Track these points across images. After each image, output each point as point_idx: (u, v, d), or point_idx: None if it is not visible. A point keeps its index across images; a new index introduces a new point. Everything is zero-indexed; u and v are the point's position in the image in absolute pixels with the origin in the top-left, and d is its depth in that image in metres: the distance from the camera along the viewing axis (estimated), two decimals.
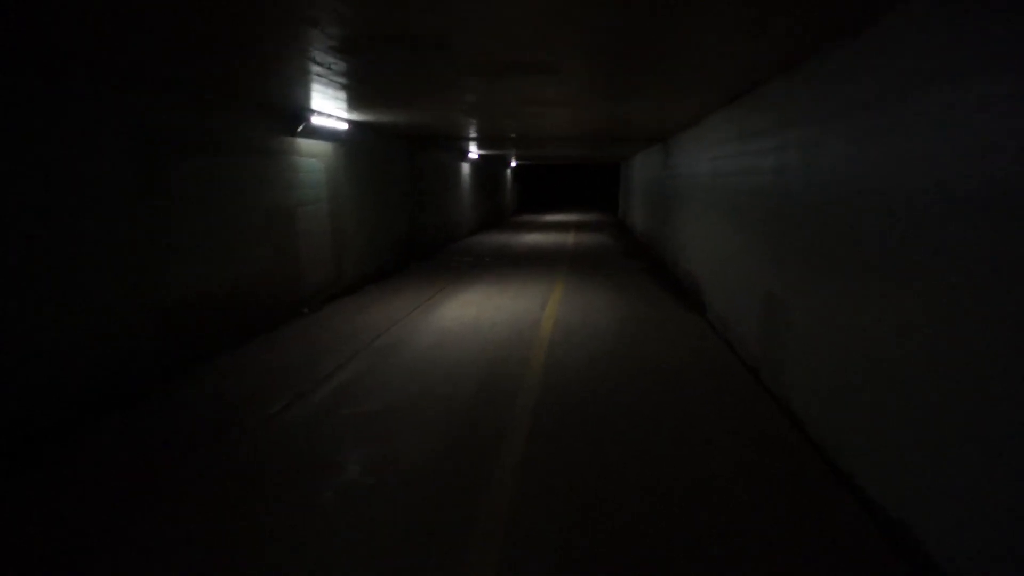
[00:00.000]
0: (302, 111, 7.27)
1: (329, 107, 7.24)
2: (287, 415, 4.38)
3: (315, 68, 4.73)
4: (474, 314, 7.54)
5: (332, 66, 4.64)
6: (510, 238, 17.59)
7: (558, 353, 5.81)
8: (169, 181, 5.29)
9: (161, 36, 3.67)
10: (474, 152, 17.42)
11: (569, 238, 17.39)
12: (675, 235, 10.23)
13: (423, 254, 13.18)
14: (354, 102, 6.92)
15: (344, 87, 5.64)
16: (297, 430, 4.12)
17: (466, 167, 18.00)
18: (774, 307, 4.79)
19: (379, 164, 10.49)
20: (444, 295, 8.83)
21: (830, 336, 3.64)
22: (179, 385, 5.03)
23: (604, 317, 7.35)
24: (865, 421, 3.16)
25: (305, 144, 7.80)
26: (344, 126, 8.34)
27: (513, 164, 27.27)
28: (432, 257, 13.16)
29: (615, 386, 4.94)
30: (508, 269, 11.37)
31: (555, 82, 5.33)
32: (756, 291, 5.28)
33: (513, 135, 11.42)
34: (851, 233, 3.34)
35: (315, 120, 7.52)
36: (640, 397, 4.70)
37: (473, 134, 11.40)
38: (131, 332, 4.83)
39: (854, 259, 3.30)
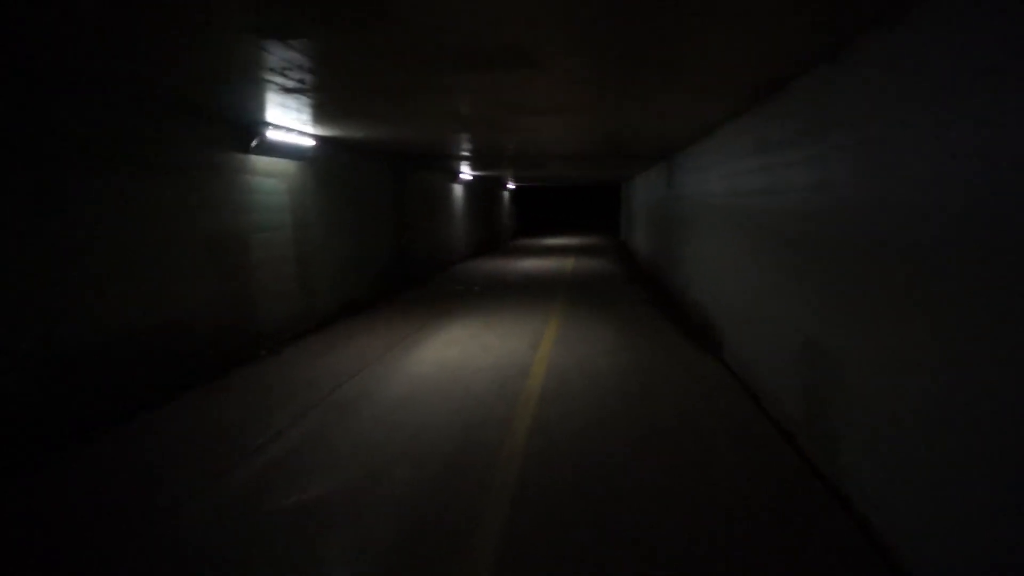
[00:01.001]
0: (256, 124, 6.35)
1: (289, 119, 6.32)
2: (187, 510, 3.34)
3: (264, 64, 3.78)
4: (456, 356, 6.52)
5: (277, 55, 3.70)
6: (506, 264, 16.63)
7: (549, 414, 4.78)
8: (73, 200, 4.32)
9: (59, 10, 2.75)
10: (467, 173, 16.54)
11: (568, 263, 16.43)
12: (682, 262, 9.24)
13: (410, 282, 12.20)
14: (318, 113, 6.01)
15: (299, 91, 4.69)
16: (191, 537, 3.08)
17: (459, 189, 17.12)
18: (817, 359, 3.77)
19: (356, 185, 9.56)
20: (426, 331, 7.82)
21: (914, 406, 2.61)
22: (68, 457, 4.00)
23: (604, 361, 6.33)
24: (977, 536, 2.12)
25: (262, 162, 6.86)
26: (309, 142, 7.41)
27: (511, 186, 26.45)
28: (420, 286, 12.18)
29: (618, 463, 3.90)
30: (501, 300, 10.37)
31: (542, 83, 4.39)
32: (790, 336, 4.27)
33: (506, 152, 10.51)
34: (948, 268, 2.34)
35: (272, 135, 6.60)
36: (651, 478, 3.67)
37: (464, 152, 10.50)
38: (9, 386, 3.82)
39: (956, 305, 2.29)
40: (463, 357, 6.48)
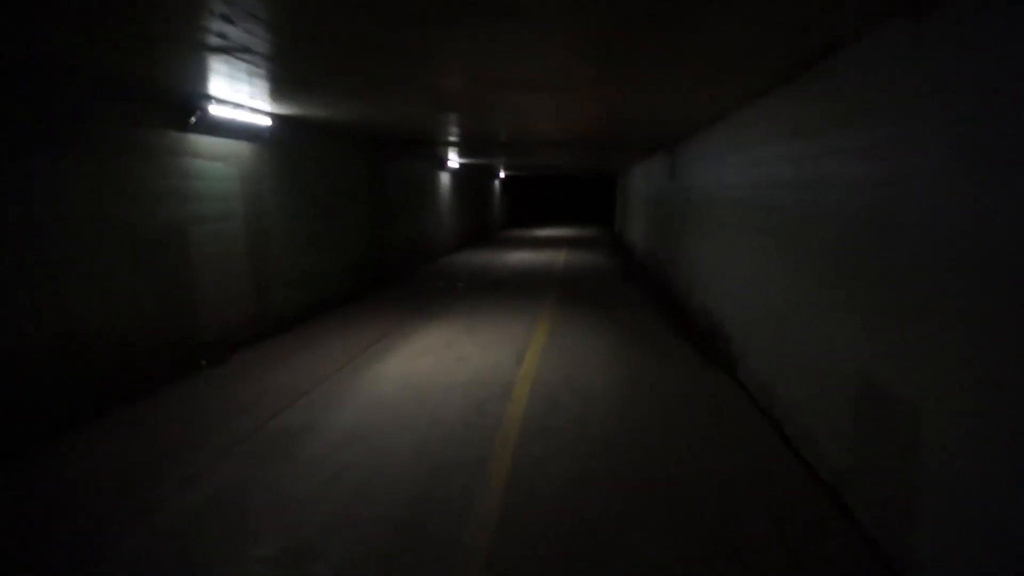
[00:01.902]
0: (195, 98, 5.39)
1: (239, 93, 5.39)
2: None
3: (200, 23, 2.84)
4: (427, 370, 5.62)
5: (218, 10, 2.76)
6: (495, 257, 15.71)
7: (533, 453, 3.89)
8: None
9: None
10: (455, 161, 15.58)
11: (560, 257, 15.53)
12: (686, 260, 8.36)
13: (389, 278, 11.27)
14: (274, 86, 5.09)
15: (240, 53, 3.74)
16: None
17: (445, 178, 16.15)
18: (876, 400, 2.91)
19: (325, 172, 8.60)
20: (398, 336, 6.91)
21: None
22: None
23: (599, 377, 5.45)
24: None
25: (205, 143, 5.90)
26: (264, 121, 6.46)
27: (502, 175, 25.47)
28: (399, 281, 11.25)
29: (617, 527, 3.03)
30: (485, 298, 9.46)
31: (529, 45, 3.47)
32: (833, 364, 3.40)
33: (495, 139, 9.56)
34: None
35: (217, 111, 5.65)
36: (659, 550, 2.79)
37: (449, 138, 9.55)
38: None
39: None
40: (435, 371, 5.58)
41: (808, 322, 3.83)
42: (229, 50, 3.71)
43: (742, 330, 5.41)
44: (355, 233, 9.72)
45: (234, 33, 3.33)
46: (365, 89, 5.17)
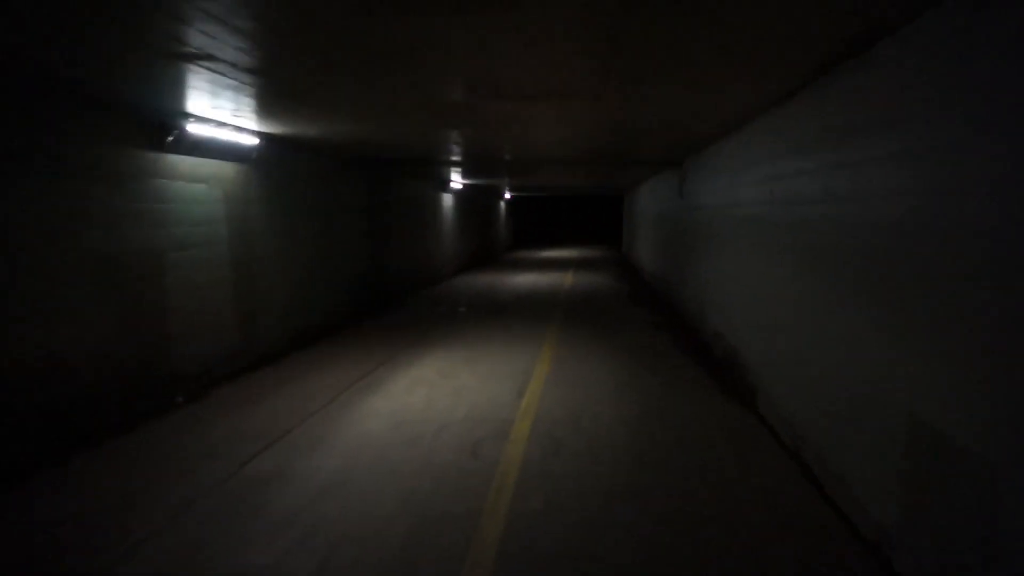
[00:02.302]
0: (172, 116, 5.07)
1: (221, 110, 5.06)
2: None
3: (178, 35, 2.51)
4: (420, 406, 5.18)
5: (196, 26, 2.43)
6: (499, 279, 15.32)
7: (532, 505, 3.43)
8: None
9: None
10: (457, 181, 15.29)
11: (566, 279, 15.11)
12: (697, 282, 7.92)
13: (387, 303, 10.88)
14: (259, 103, 4.78)
15: (223, 66, 3.41)
16: None
17: (448, 199, 15.85)
18: (940, 454, 2.45)
19: (319, 193, 8.27)
20: (392, 367, 6.49)
21: None
22: None
23: (607, 411, 5.00)
24: None
25: (186, 164, 5.56)
26: (250, 140, 6.14)
27: (507, 196, 25.22)
28: (399, 306, 10.85)
29: None
30: (488, 323, 9.03)
31: (526, 47, 3.11)
32: (879, 405, 2.95)
33: (498, 156, 9.23)
34: None
35: (197, 129, 5.33)
36: None
37: (451, 157, 9.24)
38: None
39: None
40: (429, 407, 5.15)
41: (841, 352, 3.39)
42: (203, 58, 3.36)
43: (761, 358, 4.96)
44: (351, 256, 9.36)
45: (210, 42, 2.99)
46: (357, 100, 4.83)
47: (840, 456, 3.39)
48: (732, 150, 6.13)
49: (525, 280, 15.01)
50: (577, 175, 13.46)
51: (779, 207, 4.60)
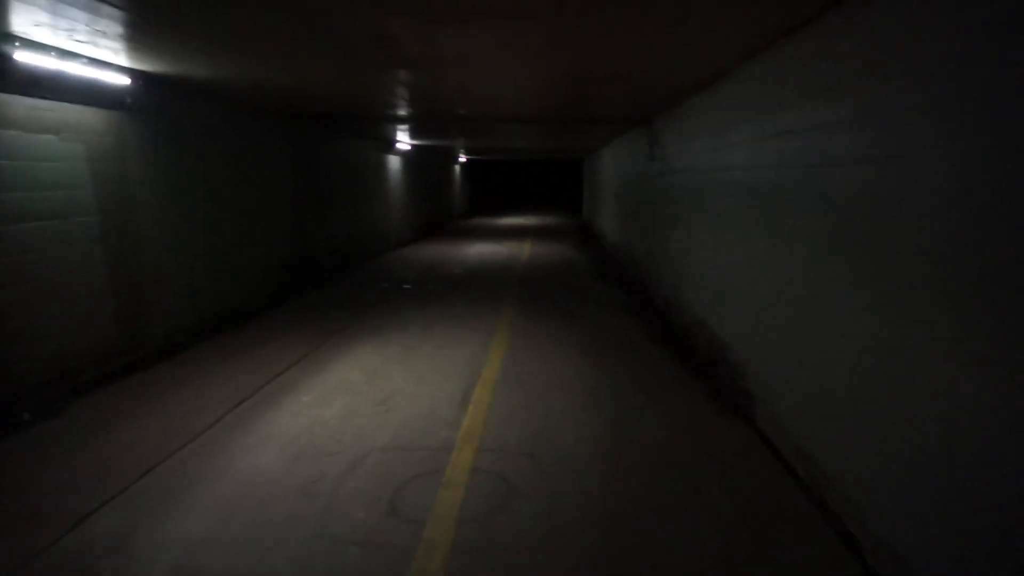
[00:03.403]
0: None
1: (70, 34, 3.76)
2: None
3: None
4: (333, 425, 4.07)
5: None
6: (452, 249, 14.14)
7: None
8: None
9: None
10: (405, 142, 13.92)
11: (524, 249, 14.04)
12: (671, 260, 6.96)
13: (322, 279, 9.61)
14: (125, 21, 3.52)
15: None
16: None
17: (395, 162, 14.47)
18: None
19: (231, 153, 6.91)
20: (310, 364, 5.35)
21: None
22: None
23: (570, 428, 4.00)
24: None
25: (16, 107, 4.20)
26: (120, 79, 4.81)
27: (463, 160, 23.83)
28: (335, 283, 9.60)
29: None
30: (433, 305, 7.92)
31: None
32: (937, 433, 1.99)
33: (447, 108, 7.99)
34: None
35: (31, 59, 3.99)
36: None
37: (395, 111, 7.95)
38: None
39: None
40: (345, 426, 4.04)
41: (880, 359, 2.44)
42: None
43: (761, 359, 4.02)
44: (274, 226, 8.05)
45: None
46: (247, 26, 3.59)
47: (874, 499, 2.46)
48: (719, 101, 5.08)
49: (480, 251, 13.87)
50: (536, 137, 12.30)
51: (786, 172, 3.60)
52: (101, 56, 4.45)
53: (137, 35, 3.88)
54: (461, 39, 3.79)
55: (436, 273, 10.57)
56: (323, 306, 7.82)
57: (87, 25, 3.62)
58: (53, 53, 4.14)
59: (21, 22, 3.56)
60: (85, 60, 4.45)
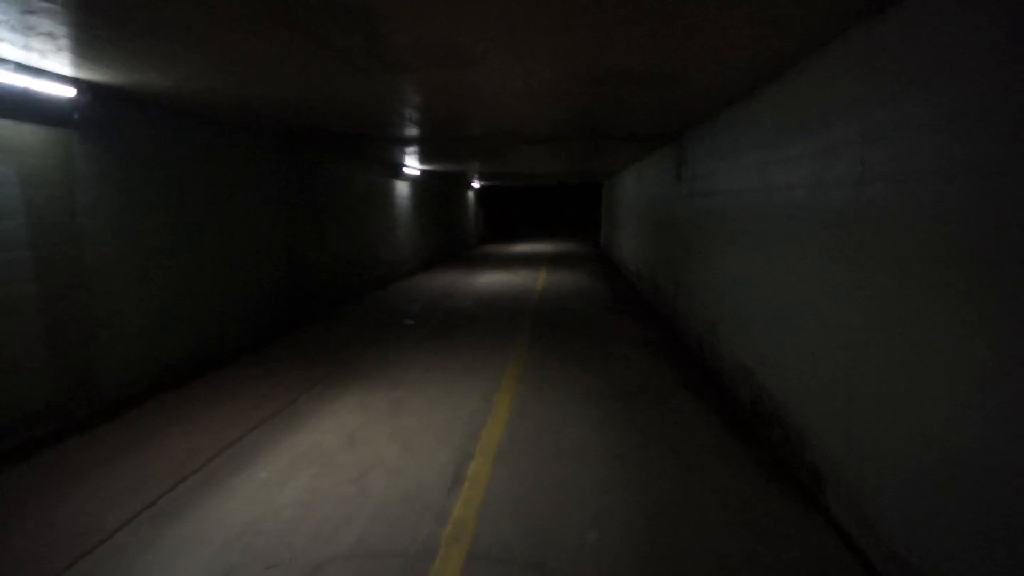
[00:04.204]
0: None
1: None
2: None
3: None
4: (288, 518, 3.20)
5: None
6: (462, 279, 13.34)
7: None
8: None
9: None
10: (414, 167, 13.26)
11: (539, 279, 13.20)
12: (705, 292, 6.06)
13: (318, 312, 8.83)
14: (61, 18, 2.80)
15: None
16: None
17: (403, 187, 13.79)
18: None
19: (205, 176, 6.18)
20: (280, 424, 4.51)
21: None
22: None
23: (590, 522, 3.10)
24: None
25: None
26: (62, 91, 4.11)
27: (476, 185, 23.21)
28: (333, 316, 8.81)
29: None
30: (434, 345, 7.07)
31: None
32: None
33: (455, 128, 7.27)
34: None
35: None
36: None
37: (399, 130, 7.24)
38: None
39: None
40: (303, 519, 3.17)
41: None
42: None
43: (833, 427, 3.09)
44: (260, 257, 7.29)
45: None
46: (206, 23, 2.86)
47: None
48: (764, 111, 4.25)
49: (492, 280, 13.05)
50: (552, 160, 11.54)
51: (867, 191, 2.73)
52: (35, 62, 3.75)
53: (79, 33, 3.17)
54: (453, 20, 3.00)
55: (443, 306, 9.75)
56: (312, 346, 7.02)
57: (14, 19, 2.92)
58: None
59: None
60: (12, 66, 3.75)
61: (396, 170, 12.84)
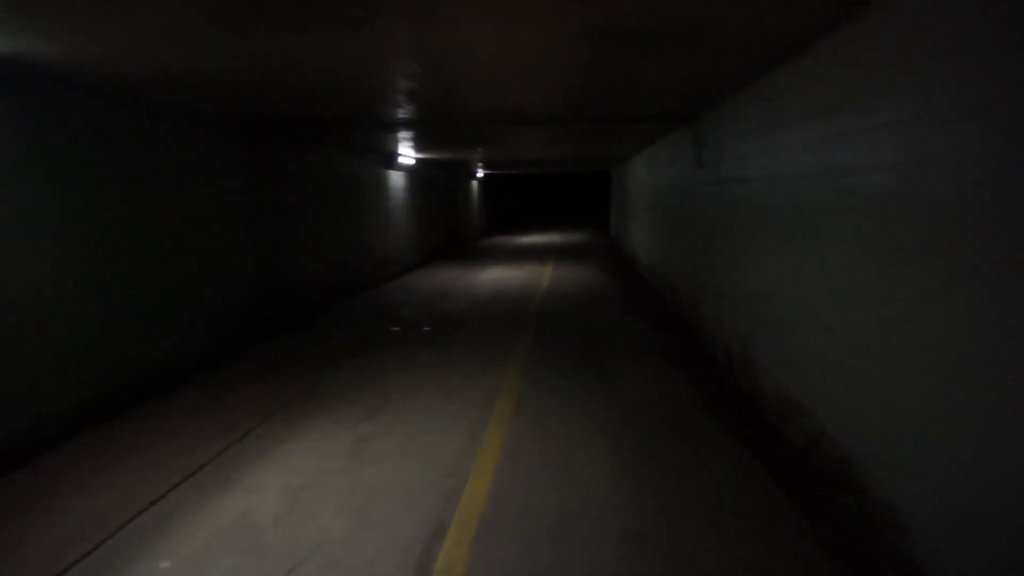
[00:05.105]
0: None
1: None
2: None
3: None
4: None
5: None
6: (462, 276, 12.40)
7: None
8: None
9: None
10: (408, 156, 12.30)
11: (544, 275, 12.24)
12: (737, 296, 5.09)
13: (295, 319, 7.92)
14: None
15: None
16: None
17: (397, 178, 12.83)
18: None
19: (146, 166, 5.24)
20: (212, 477, 3.61)
21: None
22: None
23: None
24: None
25: None
26: None
27: (480, 175, 22.20)
28: (310, 324, 7.90)
29: None
30: (418, 360, 6.15)
31: None
32: None
33: (450, 111, 6.33)
34: None
35: None
36: None
37: (392, 114, 6.34)
38: None
39: None
40: None
41: None
42: None
43: (945, 505, 2.14)
44: (220, 260, 6.37)
45: None
46: None
47: None
48: (829, 65, 3.25)
49: (493, 277, 12.10)
50: (557, 145, 10.55)
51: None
52: None
53: None
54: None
55: (437, 309, 8.82)
56: (282, 362, 6.11)
57: None
58: None
59: None
60: None
61: (389, 160, 11.87)
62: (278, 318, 7.48)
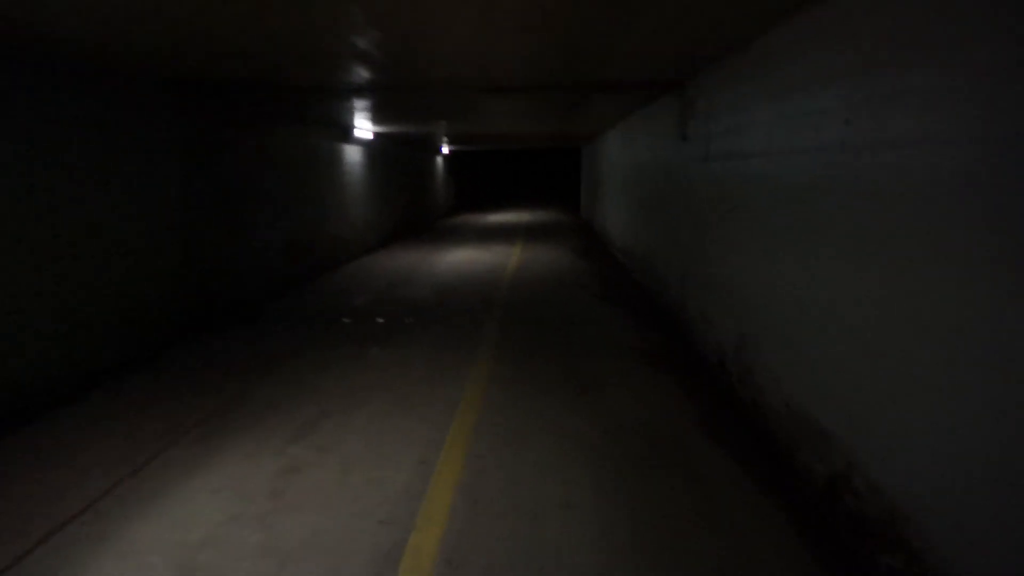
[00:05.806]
0: None
1: None
2: None
3: None
4: None
5: None
6: (425, 258, 11.59)
7: None
8: None
9: None
10: (367, 128, 11.34)
11: (512, 256, 11.51)
12: (732, 290, 4.43)
13: (235, 311, 7.04)
14: None
15: None
16: None
17: (354, 153, 11.87)
18: None
19: (46, 135, 4.30)
20: (76, 541, 2.82)
21: None
22: None
23: None
24: None
25: None
26: None
27: (446, 151, 21.22)
28: (253, 317, 7.03)
29: None
30: (371, 357, 5.40)
31: None
32: None
33: (408, 78, 5.50)
34: None
35: None
36: None
37: (345, 77, 5.49)
38: None
39: None
40: None
41: None
42: None
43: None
44: (140, 248, 5.46)
45: None
46: None
47: None
48: (857, 13, 2.55)
49: (459, 259, 11.32)
50: (524, 118, 9.75)
51: None
52: None
53: None
54: None
55: (394, 296, 8.03)
56: (209, 366, 5.27)
57: None
58: None
59: None
60: None
61: (346, 133, 10.92)
62: (214, 309, 6.59)
